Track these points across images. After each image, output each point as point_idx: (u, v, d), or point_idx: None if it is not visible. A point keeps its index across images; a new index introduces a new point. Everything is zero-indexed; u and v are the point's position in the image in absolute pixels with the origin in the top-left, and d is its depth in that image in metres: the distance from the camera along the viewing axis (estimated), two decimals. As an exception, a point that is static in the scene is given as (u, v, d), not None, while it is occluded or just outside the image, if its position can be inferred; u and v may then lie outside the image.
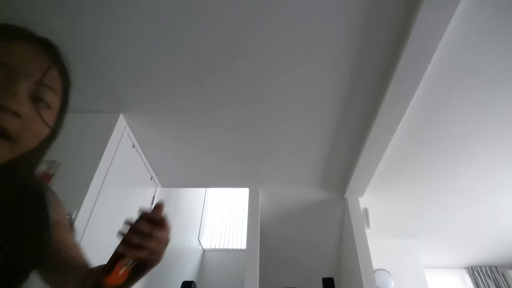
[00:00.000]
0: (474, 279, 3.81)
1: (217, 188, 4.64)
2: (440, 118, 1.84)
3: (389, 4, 1.30)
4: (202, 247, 4.23)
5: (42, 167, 1.60)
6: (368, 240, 2.37)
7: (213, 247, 4.42)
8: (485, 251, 3.58)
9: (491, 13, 1.30)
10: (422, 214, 2.90)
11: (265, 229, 2.85)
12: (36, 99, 0.43)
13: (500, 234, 3.17)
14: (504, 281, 3.70)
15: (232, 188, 4.46)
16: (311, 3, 1.31)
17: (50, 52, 0.48)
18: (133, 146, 2.13)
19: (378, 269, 3.15)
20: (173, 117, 1.97)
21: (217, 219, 4.73)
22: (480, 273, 3.81)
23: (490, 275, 3.77)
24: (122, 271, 0.43)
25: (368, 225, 2.60)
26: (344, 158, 2.29)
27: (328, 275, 2.36)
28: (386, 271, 3.20)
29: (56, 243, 0.53)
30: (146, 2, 1.33)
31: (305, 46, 1.49)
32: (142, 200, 2.35)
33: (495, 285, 3.70)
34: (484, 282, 3.73)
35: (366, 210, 2.69)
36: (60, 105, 0.48)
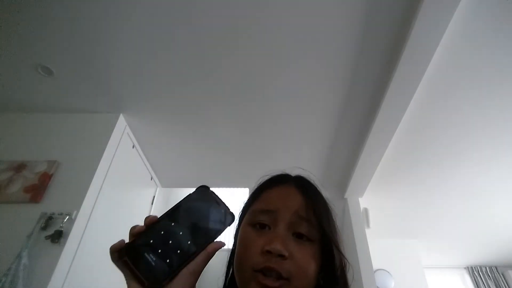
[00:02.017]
0: (474, 279, 3.81)
1: (217, 188, 4.65)
2: (440, 118, 1.84)
3: (389, 4, 1.30)
4: (202, 247, 4.23)
5: (42, 167, 1.60)
6: (368, 240, 2.37)
7: (213, 247, 4.40)
8: (485, 251, 3.58)
9: (491, 14, 1.30)
10: (422, 214, 2.90)
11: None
12: (298, 235, 0.46)
13: (500, 234, 3.17)
14: (504, 281, 3.70)
15: (232, 188, 4.46)
16: (312, 2, 1.31)
17: (302, 188, 0.51)
18: (133, 146, 2.13)
19: (378, 269, 3.15)
20: (173, 117, 1.97)
21: (217, 219, 4.72)
22: (480, 273, 3.81)
23: (490, 275, 3.78)
24: None
25: (368, 225, 2.60)
26: (344, 158, 2.29)
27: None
28: (386, 271, 3.20)
29: None
30: (145, 2, 1.33)
31: (305, 46, 1.49)
32: (142, 200, 2.35)
33: (495, 285, 3.70)
34: (484, 282, 3.73)
35: (366, 210, 2.69)
36: (321, 236, 0.47)
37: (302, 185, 0.52)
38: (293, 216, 0.46)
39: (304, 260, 0.43)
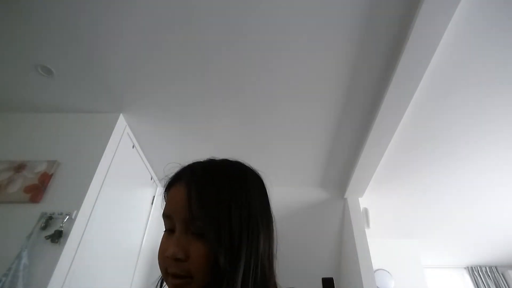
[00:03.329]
0: (474, 279, 3.81)
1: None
2: (439, 118, 1.84)
3: (389, 4, 1.30)
4: (202, 247, 4.23)
5: (42, 167, 1.60)
6: (368, 240, 2.37)
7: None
8: (485, 251, 3.58)
9: (492, 13, 1.30)
10: (422, 214, 2.90)
11: (265, 229, 2.84)
12: (195, 233, 0.45)
13: (500, 234, 3.17)
14: (504, 281, 3.70)
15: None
16: (312, 2, 1.31)
17: (189, 183, 0.49)
18: (133, 146, 2.13)
19: (378, 269, 3.15)
20: (173, 117, 1.97)
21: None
22: (480, 273, 3.81)
23: (490, 275, 3.78)
24: None
25: (368, 225, 2.60)
26: (344, 158, 2.29)
27: (327, 275, 2.36)
28: (386, 271, 3.20)
29: None
30: (144, 2, 1.33)
31: (305, 46, 1.49)
32: (142, 200, 2.35)
33: (495, 285, 3.70)
34: (484, 282, 3.73)
35: (366, 210, 2.68)
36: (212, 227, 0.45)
37: (188, 178, 0.49)
38: (183, 216, 0.46)
39: (198, 258, 0.44)
